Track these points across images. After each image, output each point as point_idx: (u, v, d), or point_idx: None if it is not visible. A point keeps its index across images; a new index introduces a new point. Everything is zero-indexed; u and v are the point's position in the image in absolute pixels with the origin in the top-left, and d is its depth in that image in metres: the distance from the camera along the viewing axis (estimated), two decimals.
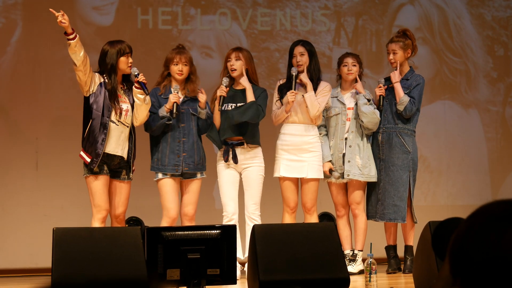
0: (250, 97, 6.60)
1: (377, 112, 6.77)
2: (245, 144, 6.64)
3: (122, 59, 6.30)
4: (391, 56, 6.93)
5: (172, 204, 6.47)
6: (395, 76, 6.89)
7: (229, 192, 6.65)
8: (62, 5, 7.89)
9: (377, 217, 6.88)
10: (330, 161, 6.84)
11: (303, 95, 6.75)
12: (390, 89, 6.96)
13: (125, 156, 6.33)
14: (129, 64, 6.30)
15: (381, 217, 6.87)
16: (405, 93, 6.85)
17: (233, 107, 6.66)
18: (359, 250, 6.86)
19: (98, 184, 6.24)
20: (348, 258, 6.78)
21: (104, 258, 4.71)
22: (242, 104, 6.64)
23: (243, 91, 6.68)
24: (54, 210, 7.71)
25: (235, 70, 6.65)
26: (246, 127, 6.63)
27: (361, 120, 6.76)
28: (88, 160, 6.20)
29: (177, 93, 6.43)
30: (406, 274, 6.70)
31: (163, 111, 6.40)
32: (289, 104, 6.70)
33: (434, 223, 5.08)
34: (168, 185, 6.49)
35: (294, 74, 6.70)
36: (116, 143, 6.28)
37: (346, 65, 6.91)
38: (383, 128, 6.90)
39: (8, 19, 7.86)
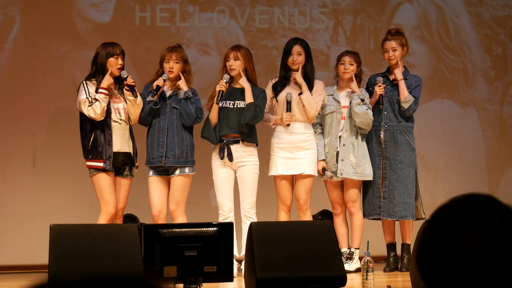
0: (249, 98, 6.62)
1: (370, 113, 6.76)
2: (240, 142, 6.66)
3: (111, 60, 6.39)
4: (391, 53, 6.92)
5: (153, 202, 6.57)
6: (399, 74, 6.90)
7: (224, 191, 6.65)
8: (60, 2, 7.90)
9: (385, 215, 6.84)
10: (323, 160, 6.84)
11: (299, 95, 6.75)
12: (390, 87, 6.95)
13: (131, 151, 6.43)
14: (119, 66, 6.36)
15: (390, 215, 6.83)
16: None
17: (230, 104, 6.68)
18: (355, 248, 6.86)
19: (107, 181, 6.36)
20: (345, 256, 6.78)
21: (101, 255, 4.71)
22: (240, 102, 6.67)
23: (242, 89, 6.69)
24: (51, 207, 7.71)
25: (234, 69, 6.67)
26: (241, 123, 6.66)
27: (353, 120, 6.76)
28: (101, 164, 6.30)
29: (164, 81, 6.48)
30: (403, 272, 6.70)
31: (150, 97, 6.48)
32: (281, 124, 6.72)
33: None
34: (152, 183, 6.61)
35: (289, 100, 6.70)
36: (122, 141, 6.41)
37: (343, 64, 6.91)
38: (385, 126, 6.88)
39: (6, 16, 7.86)
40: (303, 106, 6.73)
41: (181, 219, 6.54)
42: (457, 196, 1.55)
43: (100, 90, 6.28)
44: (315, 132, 6.86)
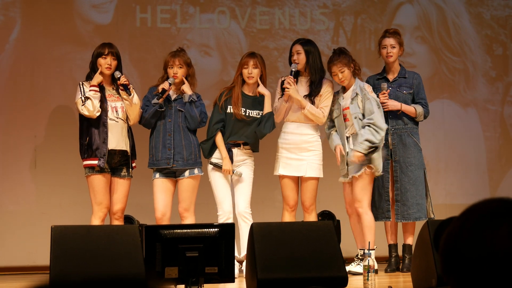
0: (268, 107, 6.64)
1: (371, 140, 6.64)
2: (241, 146, 6.66)
3: (100, 60, 6.47)
4: (390, 50, 6.89)
5: (157, 205, 6.57)
6: (396, 104, 6.81)
7: (223, 191, 6.65)
8: (61, 3, 7.91)
9: (399, 218, 6.80)
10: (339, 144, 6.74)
11: (305, 96, 6.72)
12: (391, 89, 6.91)
13: (128, 150, 6.44)
14: (107, 66, 6.41)
15: (405, 218, 6.79)
16: (413, 104, 6.82)
17: (242, 111, 6.63)
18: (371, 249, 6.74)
19: (100, 182, 6.39)
20: (358, 257, 6.69)
21: (102, 256, 4.71)
22: (251, 111, 6.66)
23: (254, 97, 6.67)
24: (52, 208, 7.71)
25: (253, 77, 6.65)
26: (253, 133, 6.66)
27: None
28: (96, 162, 6.34)
29: (170, 84, 6.51)
30: (404, 272, 6.69)
31: (155, 100, 6.50)
32: (285, 94, 6.68)
33: (432, 222, 5.09)
34: (157, 185, 6.59)
35: (293, 70, 6.69)
36: (118, 139, 6.43)
37: (335, 75, 6.74)
38: (392, 130, 6.84)
39: (7, 17, 7.86)
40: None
41: (190, 220, 6.56)
42: (490, 197, 1.56)
43: (90, 88, 6.35)
44: (331, 131, 6.81)
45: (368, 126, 6.60)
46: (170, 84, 6.52)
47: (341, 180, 6.85)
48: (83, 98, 6.35)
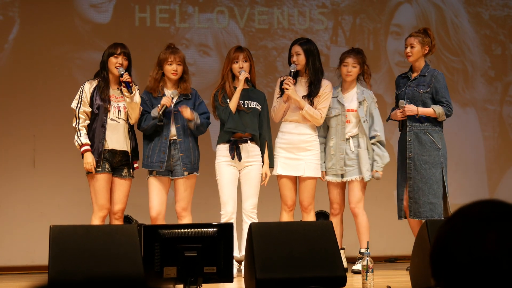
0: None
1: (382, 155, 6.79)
2: (248, 142, 6.64)
3: (111, 59, 6.44)
4: (408, 49, 6.88)
5: (152, 203, 6.54)
6: (413, 109, 6.80)
7: (229, 191, 6.62)
8: (60, 3, 7.91)
9: (412, 215, 6.82)
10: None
11: (304, 97, 6.72)
12: (411, 88, 6.88)
13: (129, 150, 6.42)
14: (116, 65, 6.37)
15: (417, 216, 6.80)
16: (432, 105, 6.80)
17: (241, 103, 6.62)
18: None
19: (101, 182, 6.36)
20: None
21: (101, 256, 4.71)
22: (250, 102, 6.64)
23: (249, 89, 6.65)
24: (51, 207, 7.71)
25: (245, 71, 6.63)
26: (256, 126, 6.64)
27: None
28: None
29: (172, 98, 6.46)
30: (407, 271, 6.68)
31: (155, 112, 6.43)
32: (284, 94, 6.67)
33: (431, 221, 5.09)
34: (152, 183, 6.57)
35: (293, 70, 6.68)
36: (118, 139, 6.41)
37: (346, 66, 6.84)
38: (409, 126, 6.85)
39: (6, 16, 7.86)
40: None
41: (187, 219, 6.54)
42: (480, 199, 1.56)
43: (86, 147, 6.33)
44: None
45: (376, 144, 6.78)
46: (172, 98, 6.46)
47: (332, 180, 6.84)
48: (77, 115, 6.35)
